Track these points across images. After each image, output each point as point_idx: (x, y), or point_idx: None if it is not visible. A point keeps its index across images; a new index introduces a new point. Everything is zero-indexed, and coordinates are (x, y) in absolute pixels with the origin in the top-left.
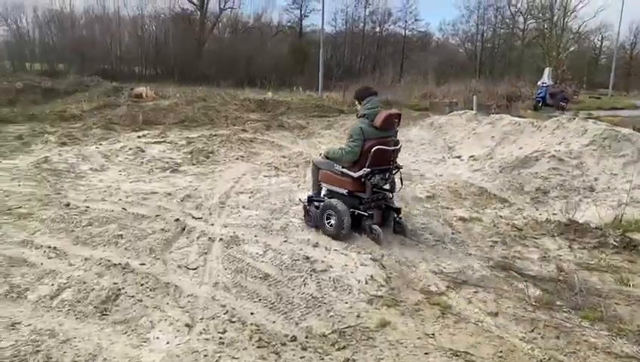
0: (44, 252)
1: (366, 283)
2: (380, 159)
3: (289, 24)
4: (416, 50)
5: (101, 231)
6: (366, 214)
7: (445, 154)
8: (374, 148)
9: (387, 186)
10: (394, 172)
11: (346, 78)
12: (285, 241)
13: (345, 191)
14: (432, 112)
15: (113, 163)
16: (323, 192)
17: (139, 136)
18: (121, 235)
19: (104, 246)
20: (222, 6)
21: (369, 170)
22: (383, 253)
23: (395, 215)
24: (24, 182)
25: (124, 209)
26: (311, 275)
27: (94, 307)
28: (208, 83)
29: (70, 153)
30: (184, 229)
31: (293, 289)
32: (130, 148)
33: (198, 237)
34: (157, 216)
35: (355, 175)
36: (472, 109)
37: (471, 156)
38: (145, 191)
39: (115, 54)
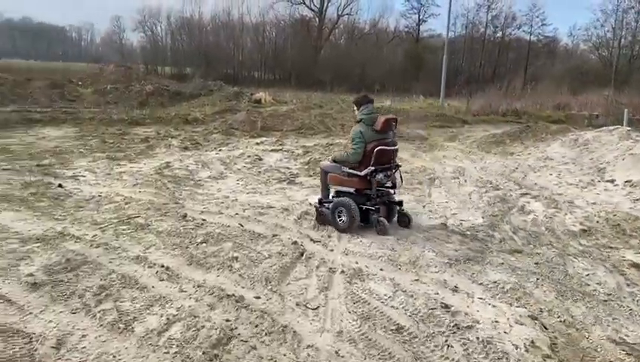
0: (157, 272)
1: (526, 350)
2: (382, 158)
3: (406, 29)
4: (542, 57)
5: (216, 250)
6: (373, 208)
7: (595, 177)
8: (377, 149)
9: (389, 184)
10: (394, 170)
11: (466, 85)
12: (417, 280)
13: (353, 190)
14: (571, 126)
15: (232, 171)
16: (331, 194)
17: (257, 143)
18: (236, 258)
19: (218, 269)
20: (340, 12)
21: (373, 168)
22: (542, 307)
23: (399, 207)
24: (145, 188)
25: (240, 225)
26: (454, 332)
27: (203, 352)
28: (323, 89)
29: (191, 159)
30: (302, 255)
31: (433, 351)
32: (249, 156)
33: (317, 267)
34: (274, 236)
35: (362, 173)
36: (620, 124)
37: (628, 181)
38: (262, 204)
39: (238, 59)
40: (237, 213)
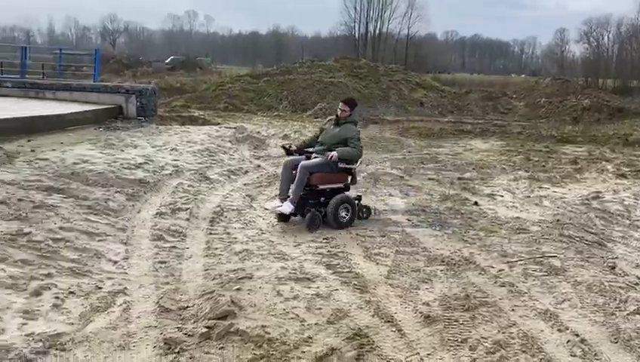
0: (568, 342)
1: None
2: None
3: None
4: None
5: None
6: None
7: None
8: None
9: None
10: None
11: None
12: None
13: (342, 185)
14: None
15: None
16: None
17: None
18: None
19: None
20: None
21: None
22: None
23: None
24: (574, 221)
25: None
26: None
27: None
28: None
29: (628, 191)
30: None
31: None
32: None
33: None
34: None
35: (354, 166)
36: None
37: None
38: None
39: None
40: None
